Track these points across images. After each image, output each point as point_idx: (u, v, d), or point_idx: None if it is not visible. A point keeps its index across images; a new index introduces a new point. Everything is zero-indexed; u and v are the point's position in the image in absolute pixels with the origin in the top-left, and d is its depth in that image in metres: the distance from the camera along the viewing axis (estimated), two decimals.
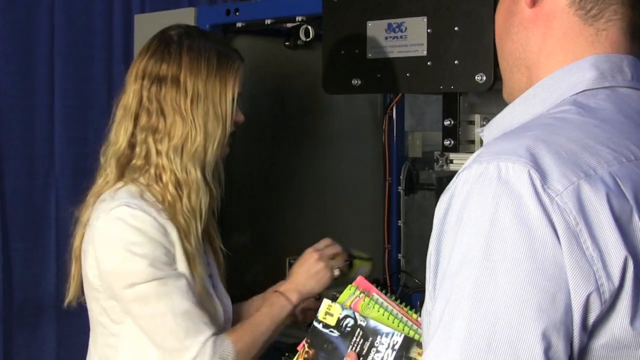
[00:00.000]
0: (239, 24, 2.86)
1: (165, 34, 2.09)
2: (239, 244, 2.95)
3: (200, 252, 2.02)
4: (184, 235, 1.98)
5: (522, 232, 1.01)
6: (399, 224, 3.31)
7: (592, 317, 1.02)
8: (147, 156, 2.02)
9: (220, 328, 2.05)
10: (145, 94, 2.03)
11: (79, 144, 3.59)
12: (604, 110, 1.15)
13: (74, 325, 3.41)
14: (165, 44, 2.06)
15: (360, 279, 1.73)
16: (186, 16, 2.91)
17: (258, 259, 3.07)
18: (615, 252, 1.02)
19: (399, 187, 3.29)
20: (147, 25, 3.05)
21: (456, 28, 2.10)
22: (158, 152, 2.01)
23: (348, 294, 1.71)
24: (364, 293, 1.70)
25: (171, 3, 3.97)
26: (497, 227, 1.02)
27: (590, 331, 1.03)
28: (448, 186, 1.13)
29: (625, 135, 1.13)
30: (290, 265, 3.09)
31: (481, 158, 1.09)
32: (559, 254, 1.00)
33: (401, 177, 3.28)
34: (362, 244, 3.35)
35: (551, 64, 1.22)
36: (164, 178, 2.00)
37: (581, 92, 1.18)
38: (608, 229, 1.03)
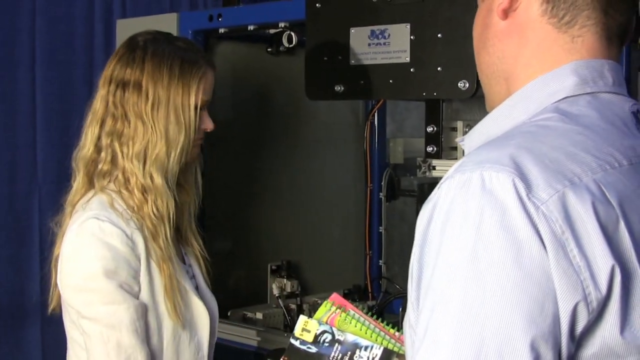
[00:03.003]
0: (221, 30, 2.86)
1: (133, 39, 2.10)
2: (221, 249, 2.95)
3: (171, 252, 2.02)
4: (152, 238, 1.98)
5: (508, 241, 0.99)
6: (380, 230, 3.32)
7: (580, 327, 1.01)
8: (113, 161, 2.02)
9: (199, 326, 2.07)
10: (111, 98, 2.04)
11: (61, 149, 3.55)
12: (586, 117, 1.14)
13: (59, 331, 3.36)
14: (132, 49, 2.07)
15: (335, 296, 1.72)
16: (168, 22, 2.90)
17: (240, 264, 3.07)
18: (602, 261, 1.01)
19: (381, 194, 3.30)
20: (129, 31, 3.00)
21: (439, 35, 2.11)
22: (124, 157, 2.01)
23: (324, 311, 1.69)
24: (340, 309, 1.69)
25: (152, 8, 3.96)
26: (482, 237, 1.00)
27: (578, 341, 1.02)
28: (430, 196, 1.10)
29: (608, 142, 1.12)
30: (272, 271, 3.10)
31: (464, 167, 1.07)
32: (546, 263, 0.99)
33: (382, 183, 3.29)
34: (343, 249, 3.37)
35: (529, 74, 1.21)
36: (131, 182, 2.00)
37: (562, 99, 1.17)
38: (594, 237, 1.01)
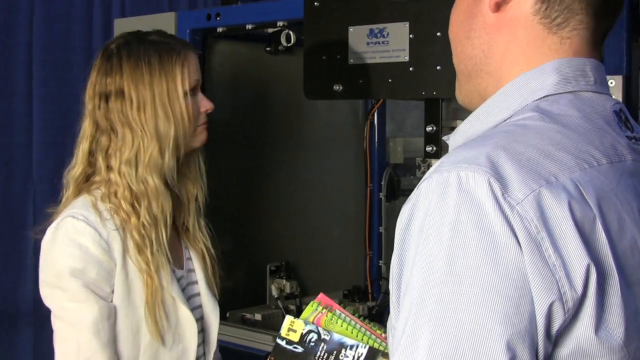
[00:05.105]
0: (219, 29, 2.84)
1: (106, 48, 2.06)
2: (219, 249, 2.92)
3: (160, 263, 1.97)
4: (137, 249, 1.94)
5: (484, 241, 1.00)
6: (380, 230, 3.31)
7: (556, 326, 1.01)
8: (100, 175, 1.99)
9: (186, 334, 2.01)
10: (97, 113, 2.00)
11: (57, 149, 3.56)
12: (567, 116, 1.14)
13: (51, 331, 3.37)
14: (107, 58, 2.03)
15: (322, 296, 1.72)
16: (166, 21, 2.89)
17: (239, 264, 3.05)
18: (578, 261, 1.01)
19: (380, 193, 3.28)
20: (127, 30, 3.02)
21: (438, 33, 2.09)
22: (109, 169, 1.98)
23: (310, 310, 1.69)
24: (326, 309, 1.69)
25: (151, 7, 3.94)
26: (459, 237, 1.01)
27: (554, 340, 1.02)
28: (410, 196, 1.11)
29: (587, 140, 1.12)
30: (272, 272, 3.09)
31: (442, 168, 1.07)
32: (522, 263, 0.99)
33: (382, 183, 3.28)
34: (342, 250, 3.35)
35: (514, 71, 1.21)
36: (118, 194, 1.96)
37: (543, 97, 1.17)
38: (570, 236, 1.02)
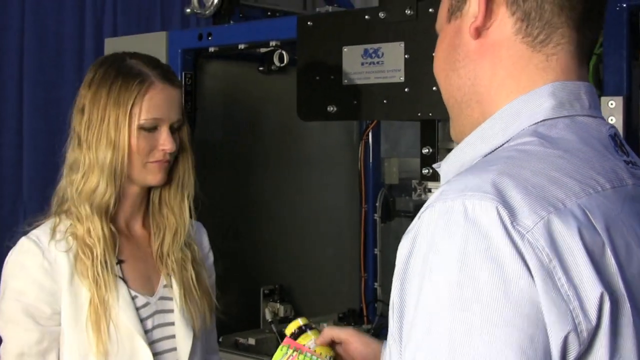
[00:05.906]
0: (211, 49, 2.81)
1: (94, 63, 2.05)
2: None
3: (108, 279, 1.91)
4: (82, 268, 1.90)
5: (494, 272, 0.96)
6: (375, 252, 3.27)
7: (571, 358, 0.97)
8: (65, 192, 1.98)
9: None
10: (73, 126, 2.00)
11: (47, 169, 3.53)
12: (566, 140, 1.11)
13: None
14: (89, 73, 2.01)
15: (288, 339, 1.71)
16: (157, 40, 2.86)
17: (232, 288, 3.00)
18: (591, 289, 0.98)
19: (375, 215, 3.24)
20: (118, 49, 2.98)
21: (434, 54, 2.06)
22: (69, 185, 1.96)
23: (281, 355, 1.69)
24: (296, 351, 1.67)
25: (143, 27, 3.93)
26: (467, 268, 0.97)
27: None
28: (410, 226, 1.07)
29: (589, 165, 1.09)
30: (265, 295, 3.04)
31: (445, 196, 1.03)
32: (535, 293, 0.96)
33: (377, 204, 3.24)
34: (337, 272, 3.31)
35: (504, 95, 1.17)
36: (72, 210, 1.95)
37: (540, 121, 1.14)
38: (582, 264, 0.98)
